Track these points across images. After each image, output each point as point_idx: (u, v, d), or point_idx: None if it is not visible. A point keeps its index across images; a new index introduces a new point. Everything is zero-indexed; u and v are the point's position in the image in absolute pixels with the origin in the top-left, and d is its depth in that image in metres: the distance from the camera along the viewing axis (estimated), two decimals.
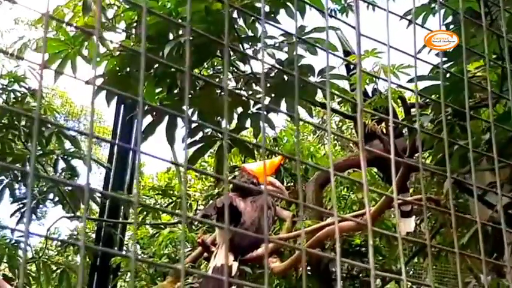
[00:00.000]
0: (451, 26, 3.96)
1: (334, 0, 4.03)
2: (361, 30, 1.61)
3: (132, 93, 4.18)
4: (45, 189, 7.07)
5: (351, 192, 6.67)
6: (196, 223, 6.68)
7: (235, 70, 4.18)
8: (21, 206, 6.98)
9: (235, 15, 3.98)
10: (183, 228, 2.01)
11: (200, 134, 4.24)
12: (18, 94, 6.83)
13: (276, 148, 7.04)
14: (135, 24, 3.93)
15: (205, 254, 5.26)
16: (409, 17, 3.58)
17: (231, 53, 3.96)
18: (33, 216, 7.09)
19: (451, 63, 3.86)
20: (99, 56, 3.93)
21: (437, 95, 3.86)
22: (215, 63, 4.33)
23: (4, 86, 6.89)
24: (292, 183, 7.10)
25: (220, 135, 4.22)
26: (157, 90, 4.17)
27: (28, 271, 7.09)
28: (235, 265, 4.66)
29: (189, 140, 4.15)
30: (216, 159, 4.33)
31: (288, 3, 3.79)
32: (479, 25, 2.59)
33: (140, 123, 2.42)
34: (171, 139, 4.09)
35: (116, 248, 7.73)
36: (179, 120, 4.14)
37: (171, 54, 3.58)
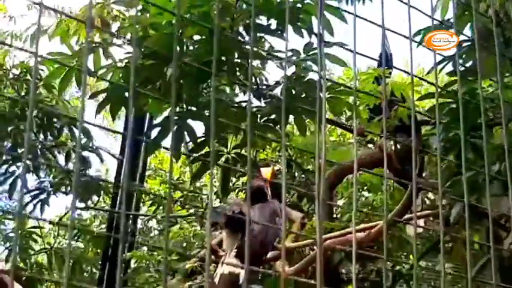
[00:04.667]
0: (464, 44, 3.85)
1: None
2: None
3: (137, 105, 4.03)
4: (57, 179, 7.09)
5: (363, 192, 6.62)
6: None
7: (242, 85, 4.11)
8: (32, 197, 7.02)
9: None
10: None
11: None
12: (31, 85, 6.79)
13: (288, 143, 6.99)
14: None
15: (213, 257, 5.28)
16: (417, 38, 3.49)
17: (237, 69, 3.90)
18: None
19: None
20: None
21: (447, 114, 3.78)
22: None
23: (16, 76, 6.86)
24: (303, 178, 7.07)
25: (225, 149, 4.19)
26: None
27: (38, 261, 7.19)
28: (242, 273, 4.66)
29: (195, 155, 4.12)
30: (221, 173, 4.30)
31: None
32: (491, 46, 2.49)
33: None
34: (176, 153, 4.05)
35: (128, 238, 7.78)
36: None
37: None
